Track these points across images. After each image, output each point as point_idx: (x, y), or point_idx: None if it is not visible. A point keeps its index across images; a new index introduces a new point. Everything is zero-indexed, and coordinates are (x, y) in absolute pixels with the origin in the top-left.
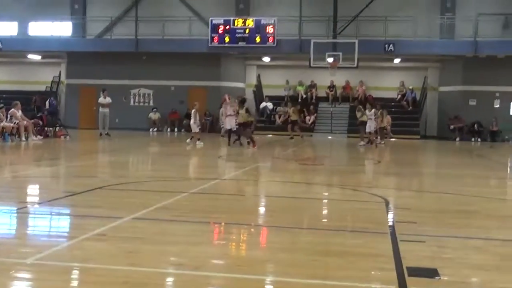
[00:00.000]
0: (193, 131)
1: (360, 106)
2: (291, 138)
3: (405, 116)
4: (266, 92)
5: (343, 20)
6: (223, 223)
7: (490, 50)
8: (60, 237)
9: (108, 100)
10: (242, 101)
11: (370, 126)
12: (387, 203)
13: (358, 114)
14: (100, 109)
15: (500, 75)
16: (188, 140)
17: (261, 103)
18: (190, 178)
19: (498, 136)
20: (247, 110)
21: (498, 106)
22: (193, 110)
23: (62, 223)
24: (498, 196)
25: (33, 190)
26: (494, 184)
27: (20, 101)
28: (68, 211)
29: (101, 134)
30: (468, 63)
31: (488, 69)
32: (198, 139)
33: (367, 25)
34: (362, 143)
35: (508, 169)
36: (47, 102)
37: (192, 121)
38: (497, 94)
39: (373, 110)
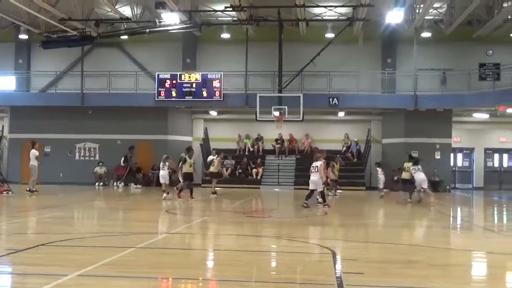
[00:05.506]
0: (167, 183)
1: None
2: (214, 193)
3: (350, 168)
4: (213, 145)
5: (288, 75)
6: (170, 279)
7: (429, 104)
8: None
9: (34, 153)
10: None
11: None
12: (334, 255)
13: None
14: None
15: (439, 128)
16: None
17: (208, 156)
18: (137, 232)
19: (440, 186)
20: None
21: (439, 157)
22: (166, 163)
23: (3, 282)
24: (441, 245)
25: None
26: (437, 233)
27: None
28: (9, 270)
29: (30, 190)
30: (409, 116)
31: (428, 122)
32: (168, 193)
33: (311, 80)
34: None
35: (450, 218)
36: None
37: (163, 173)
38: (438, 146)
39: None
